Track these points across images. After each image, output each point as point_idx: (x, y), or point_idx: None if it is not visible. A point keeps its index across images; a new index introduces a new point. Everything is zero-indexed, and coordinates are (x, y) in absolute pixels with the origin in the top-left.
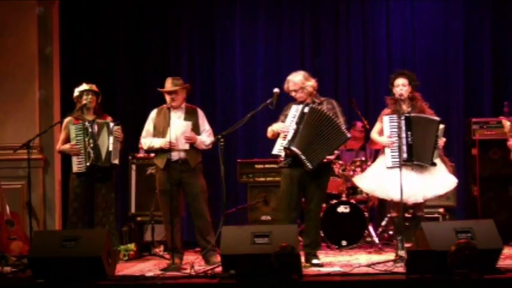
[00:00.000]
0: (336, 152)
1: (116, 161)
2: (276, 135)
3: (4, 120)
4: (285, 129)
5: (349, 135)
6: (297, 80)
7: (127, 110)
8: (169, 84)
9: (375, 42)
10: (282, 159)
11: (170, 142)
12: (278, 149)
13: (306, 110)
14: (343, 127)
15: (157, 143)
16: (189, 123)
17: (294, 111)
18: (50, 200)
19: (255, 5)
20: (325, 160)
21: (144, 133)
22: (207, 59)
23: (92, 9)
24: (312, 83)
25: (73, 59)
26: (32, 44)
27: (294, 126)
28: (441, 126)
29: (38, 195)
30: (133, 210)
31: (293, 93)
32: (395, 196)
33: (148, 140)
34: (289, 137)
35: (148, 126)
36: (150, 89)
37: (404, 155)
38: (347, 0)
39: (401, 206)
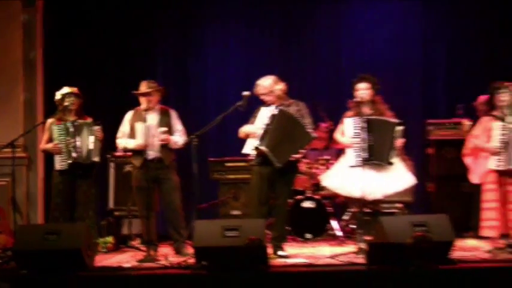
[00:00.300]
0: (302, 151)
1: (96, 159)
2: (247, 136)
3: None
4: (255, 130)
5: (314, 135)
6: (266, 84)
7: (106, 111)
8: (143, 87)
9: (338, 47)
10: (253, 157)
11: (143, 144)
12: (249, 148)
13: (275, 112)
14: (309, 128)
15: (131, 144)
16: (163, 129)
17: (264, 113)
18: (33, 195)
19: (226, 13)
20: (292, 158)
21: (119, 134)
22: (181, 64)
23: (74, 16)
24: (280, 86)
25: (56, 63)
26: (16, 49)
27: (264, 127)
28: (399, 128)
29: (22, 191)
30: (111, 205)
31: (262, 97)
32: (356, 193)
33: (123, 141)
34: (259, 137)
35: (124, 127)
36: (128, 92)
37: (365, 155)
38: (312, 9)
39: (361, 202)
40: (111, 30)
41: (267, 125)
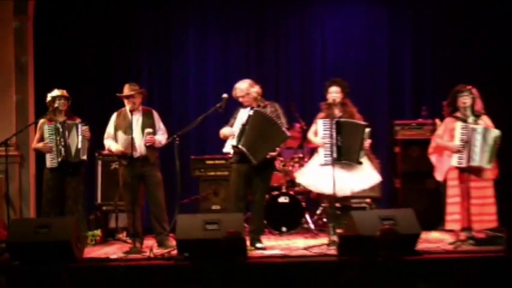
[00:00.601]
0: (277, 149)
1: (84, 157)
2: (227, 137)
3: None
4: (233, 132)
5: (288, 134)
6: (243, 87)
7: (93, 112)
8: (126, 90)
9: (310, 53)
10: (232, 156)
11: (122, 151)
12: (228, 147)
13: (251, 113)
14: (284, 127)
15: (114, 147)
16: (148, 130)
17: (242, 114)
18: (25, 191)
19: (206, 22)
20: (268, 156)
21: (106, 134)
22: (164, 68)
23: (62, 24)
24: (256, 89)
25: (46, 67)
26: (9, 54)
27: (241, 127)
28: (367, 129)
29: (14, 187)
30: (99, 200)
31: (240, 99)
32: (326, 190)
33: (108, 142)
34: (236, 136)
35: (110, 128)
36: (114, 94)
37: (335, 155)
38: (286, 17)
39: (332, 199)
40: (97, 36)
41: (244, 125)
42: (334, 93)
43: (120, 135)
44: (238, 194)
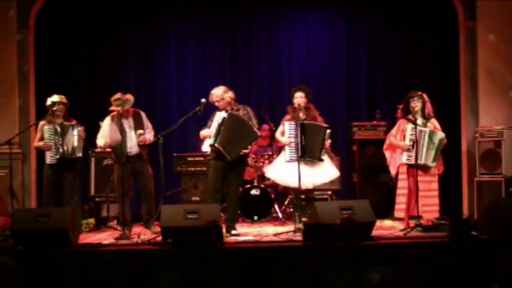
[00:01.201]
0: (249, 147)
1: (80, 154)
2: (205, 138)
3: None
4: (210, 133)
5: (259, 134)
6: (218, 93)
7: (86, 114)
8: (118, 96)
9: (279, 63)
10: (209, 154)
11: (109, 143)
12: (206, 147)
13: (226, 115)
14: (255, 128)
15: (102, 142)
16: (140, 131)
17: (218, 117)
18: (27, 185)
19: (186, 34)
20: (241, 153)
21: (99, 134)
22: (149, 74)
23: (60, 36)
24: (230, 94)
25: (45, 75)
26: (12, 64)
27: (217, 128)
28: (328, 131)
29: (18, 181)
30: (92, 192)
31: (216, 103)
32: (292, 183)
33: (99, 141)
34: (213, 136)
35: (104, 130)
36: (104, 98)
37: (300, 152)
38: (258, 31)
39: (297, 191)
40: (89, 47)
41: (220, 126)
42: (299, 98)
43: (105, 123)
44: (215, 187)
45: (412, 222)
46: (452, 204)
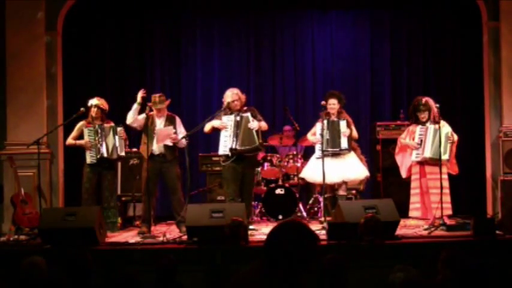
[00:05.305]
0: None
1: (122, 153)
2: (212, 130)
3: (19, 123)
4: (223, 125)
5: (259, 143)
6: (235, 91)
7: (113, 114)
8: (156, 99)
9: (302, 64)
10: (225, 157)
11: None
12: (223, 150)
13: (238, 118)
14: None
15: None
16: (171, 128)
17: (229, 120)
18: (55, 184)
19: (211, 35)
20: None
21: (132, 114)
22: (175, 75)
23: (87, 37)
24: (243, 96)
25: (73, 76)
26: (41, 65)
27: (235, 132)
28: (341, 122)
29: (45, 180)
30: (119, 191)
31: (232, 103)
32: (320, 180)
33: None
34: (233, 141)
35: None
36: (131, 99)
37: (325, 146)
38: (282, 31)
39: (325, 188)
40: (117, 48)
41: (236, 128)
42: (332, 105)
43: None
44: (236, 191)
45: (437, 222)
46: (476, 204)
